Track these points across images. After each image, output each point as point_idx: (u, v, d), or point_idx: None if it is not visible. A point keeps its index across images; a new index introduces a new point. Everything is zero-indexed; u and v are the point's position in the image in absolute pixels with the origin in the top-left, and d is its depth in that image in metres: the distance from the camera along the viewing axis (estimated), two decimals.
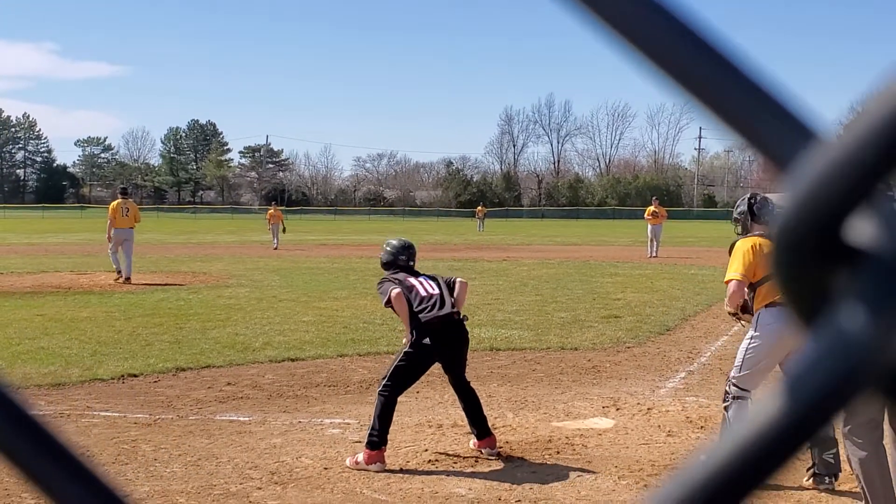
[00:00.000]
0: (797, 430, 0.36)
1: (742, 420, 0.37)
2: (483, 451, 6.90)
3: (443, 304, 6.88)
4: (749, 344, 6.22)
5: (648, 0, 0.38)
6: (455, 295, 7.04)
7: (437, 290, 6.92)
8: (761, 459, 0.36)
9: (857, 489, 5.54)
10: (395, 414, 6.77)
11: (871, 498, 5.37)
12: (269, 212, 37.73)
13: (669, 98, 0.40)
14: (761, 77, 0.38)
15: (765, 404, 0.36)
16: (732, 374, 6.37)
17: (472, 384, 7.15)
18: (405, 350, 6.85)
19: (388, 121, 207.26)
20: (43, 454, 0.51)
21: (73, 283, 19.72)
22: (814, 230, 0.35)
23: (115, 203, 21.43)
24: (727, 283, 6.35)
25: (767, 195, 6.55)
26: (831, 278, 0.35)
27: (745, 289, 6.27)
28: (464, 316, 7.09)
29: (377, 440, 6.57)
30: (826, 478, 6.14)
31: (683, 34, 0.38)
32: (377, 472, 6.45)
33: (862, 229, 0.35)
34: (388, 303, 6.86)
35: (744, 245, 6.29)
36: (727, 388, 6.43)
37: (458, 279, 7.23)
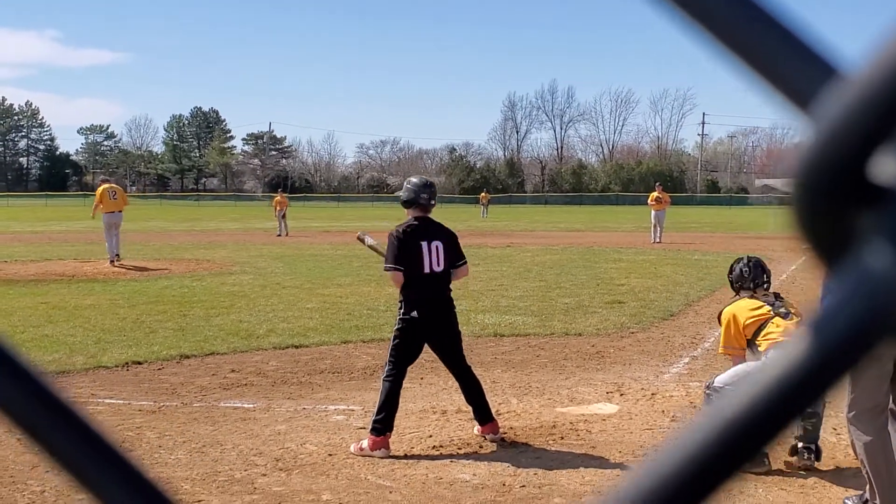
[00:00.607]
0: (823, 371, 0.35)
1: (770, 361, 0.36)
2: (486, 436, 6.91)
3: (440, 285, 6.85)
4: (749, 368, 6.21)
5: None
6: (454, 273, 6.97)
7: (441, 268, 6.83)
8: (787, 400, 0.36)
9: (861, 472, 5.56)
10: (399, 400, 6.78)
11: (875, 481, 5.38)
12: (276, 198, 37.72)
13: (685, 37, 0.38)
14: (780, 12, 0.37)
15: (791, 346, 0.36)
16: (718, 381, 6.39)
17: (475, 370, 7.14)
18: (396, 327, 6.87)
19: (391, 107, 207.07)
20: (71, 435, 0.52)
21: (76, 271, 19.74)
22: (837, 169, 0.34)
23: (102, 188, 21.77)
24: (724, 354, 6.73)
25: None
26: (855, 218, 0.35)
27: (745, 350, 6.48)
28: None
29: (381, 426, 6.57)
30: (805, 452, 6.18)
31: None
32: (381, 458, 6.45)
33: (886, 168, 0.34)
34: (389, 270, 6.85)
35: (725, 316, 6.54)
36: (706, 391, 6.55)
37: (464, 263, 7.10)
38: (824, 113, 0.34)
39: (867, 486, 5.49)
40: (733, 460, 0.37)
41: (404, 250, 6.77)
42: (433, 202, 7.01)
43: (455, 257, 6.96)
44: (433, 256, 6.79)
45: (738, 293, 6.74)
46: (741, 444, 0.37)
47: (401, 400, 6.82)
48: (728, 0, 0.37)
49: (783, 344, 0.36)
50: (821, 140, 0.34)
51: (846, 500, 5.69)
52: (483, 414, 6.95)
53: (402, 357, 6.81)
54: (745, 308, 6.45)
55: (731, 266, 6.91)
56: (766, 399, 0.36)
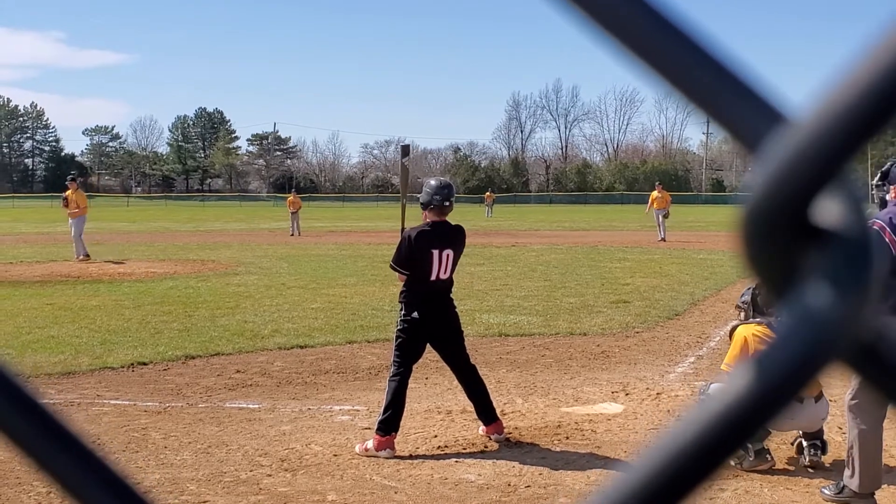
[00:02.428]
0: (766, 403, 0.37)
1: (714, 394, 0.38)
2: (491, 436, 6.91)
3: (444, 289, 6.86)
4: None
5: None
6: None
7: (447, 275, 6.82)
8: (731, 431, 0.37)
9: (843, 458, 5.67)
10: (405, 400, 6.78)
11: (862, 468, 5.47)
12: (289, 198, 38.02)
13: (640, 81, 0.41)
14: (730, 60, 0.39)
15: (735, 378, 0.38)
16: (713, 389, 6.47)
17: (480, 370, 7.14)
18: (398, 328, 6.91)
19: (396, 107, 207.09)
20: (53, 443, 0.52)
21: (82, 272, 19.77)
22: (782, 211, 0.36)
23: (82, 193, 23.83)
24: (725, 371, 6.56)
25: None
26: (799, 257, 0.37)
27: None
28: None
29: (387, 426, 6.58)
30: (811, 448, 6.22)
31: (653, 18, 0.39)
32: (386, 458, 6.46)
33: (828, 210, 0.36)
34: (394, 269, 6.88)
35: (739, 335, 6.35)
36: (701, 397, 6.57)
37: None
38: (771, 156, 0.36)
39: (845, 471, 5.57)
40: (680, 489, 0.39)
41: (413, 255, 6.75)
42: (447, 203, 6.89)
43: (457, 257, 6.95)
44: (443, 265, 6.75)
45: (748, 319, 6.47)
46: (687, 473, 0.38)
47: (406, 400, 6.82)
48: (683, 51, 0.38)
49: (728, 376, 0.39)
50: (767, 182, 0.36)
51: (823, 490, 5.75)
52: (487, 414, 6.95)
53: (406, 357, 6.82)
54: (760, 336, 6.24)
55: (754, 291, 6.51)
56: (711, 430, 0.37)
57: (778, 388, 0.37)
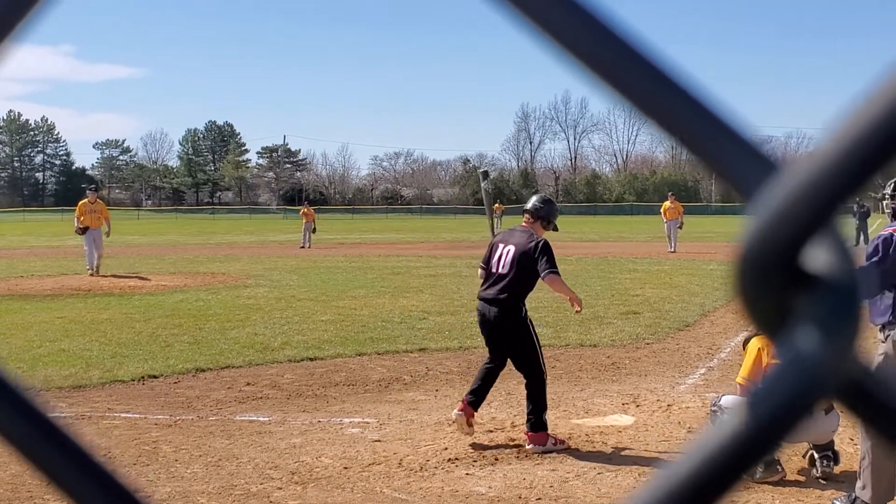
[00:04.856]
0: (757, 443, 0.39)
1: (708, 432, 0.41)
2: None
3: (499, 287, 7.18)
4: None
5: (615, 38, 0.42)
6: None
7: (505, 270, 7.17)
8: (724, 470, 0.39)
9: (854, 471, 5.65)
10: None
11: (873, 480, 5.47)
12: (303, 210, 38.15)
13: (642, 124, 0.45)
14: (727, 113, 0.41)
15: (728, 418, 0.40)
16: (725, 401, 6.49)
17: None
18: None
19: (405, 119, 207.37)
20: (65, 457, 0.53)
21: (92, 286, 19.83)
22: (774, 257, 0.38)
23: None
24: (739, 385, 6.57)
25: None
26: (790, 301, 0.38)
27: None
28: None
29: (469, 397, 7.10)
30: (823, 460, 6.21)
31: (652, 72, 0.41)
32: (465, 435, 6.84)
33: (817, 256, 0.38)
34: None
35: (753, 347, 6.39)
36: (712, 408, 6.63)
37: (549, 275, 7.32)
38: (765, 205, 0.38)
39: (857, 483, 5.55)
40: None
41: (489, 250, 7.40)
42: (526, 209, 7.52)
43: (532, 264, 7.20)
44: (502, 259, 7.23)
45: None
46: None
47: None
48: (677, 99, 0.40)
49: (724, 417, 0.40)
50: (761, 229, 0.38)
51: (834, 502, 5.73)
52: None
53: (487, 346, 7.39)
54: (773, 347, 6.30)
55: None
56: (704, 468, 0.39)
57: (769, 428, 0.38)
